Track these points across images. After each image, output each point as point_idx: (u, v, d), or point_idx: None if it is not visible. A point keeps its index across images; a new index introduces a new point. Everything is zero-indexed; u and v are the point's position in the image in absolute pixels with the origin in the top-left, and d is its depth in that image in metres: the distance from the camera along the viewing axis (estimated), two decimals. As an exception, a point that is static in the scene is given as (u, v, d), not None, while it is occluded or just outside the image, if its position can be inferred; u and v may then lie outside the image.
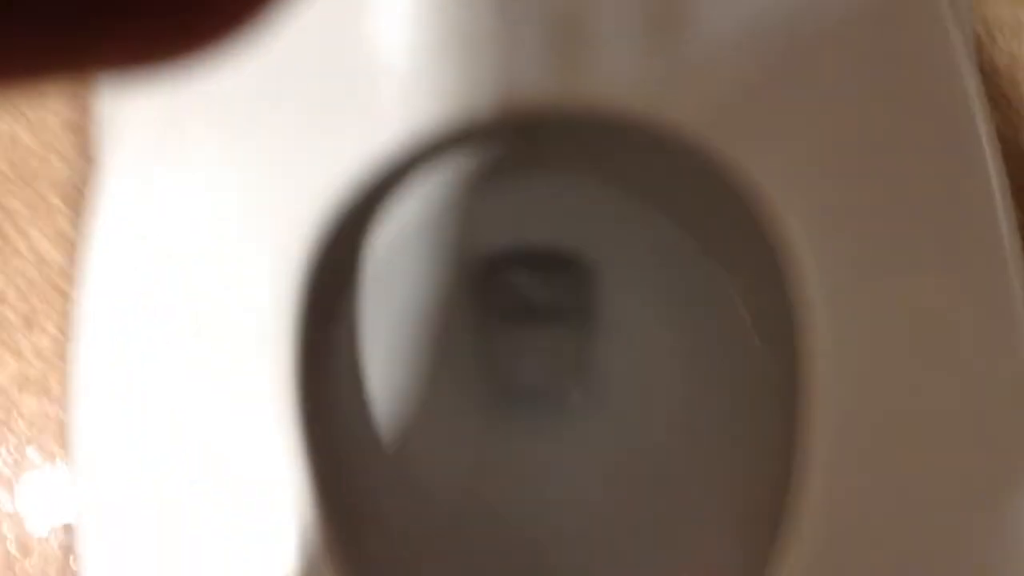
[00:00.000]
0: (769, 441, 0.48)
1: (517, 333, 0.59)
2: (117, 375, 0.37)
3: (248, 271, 0.37)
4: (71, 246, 0.73)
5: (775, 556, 0.40)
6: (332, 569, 0.38)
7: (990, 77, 0.74)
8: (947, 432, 0.39)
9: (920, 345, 0.40)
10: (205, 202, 0.37)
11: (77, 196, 0.73)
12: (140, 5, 0.11)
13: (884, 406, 0.39)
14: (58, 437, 0.73)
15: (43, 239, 0.73)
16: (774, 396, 0.49)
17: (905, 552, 0.39)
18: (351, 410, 0.51)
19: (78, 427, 0.37)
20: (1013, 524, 0.38)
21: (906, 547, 0.40)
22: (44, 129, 0.74)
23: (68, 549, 0.73)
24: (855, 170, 0.40)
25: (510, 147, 0.52)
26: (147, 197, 0.37)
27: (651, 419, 0.56)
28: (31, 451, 0.73)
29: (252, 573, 0.37)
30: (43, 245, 0.73)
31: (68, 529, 0.73)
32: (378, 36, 0.41)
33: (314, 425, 0.39)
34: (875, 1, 0.41)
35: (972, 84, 0.41)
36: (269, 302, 0.37)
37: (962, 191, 0.41)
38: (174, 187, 0.38)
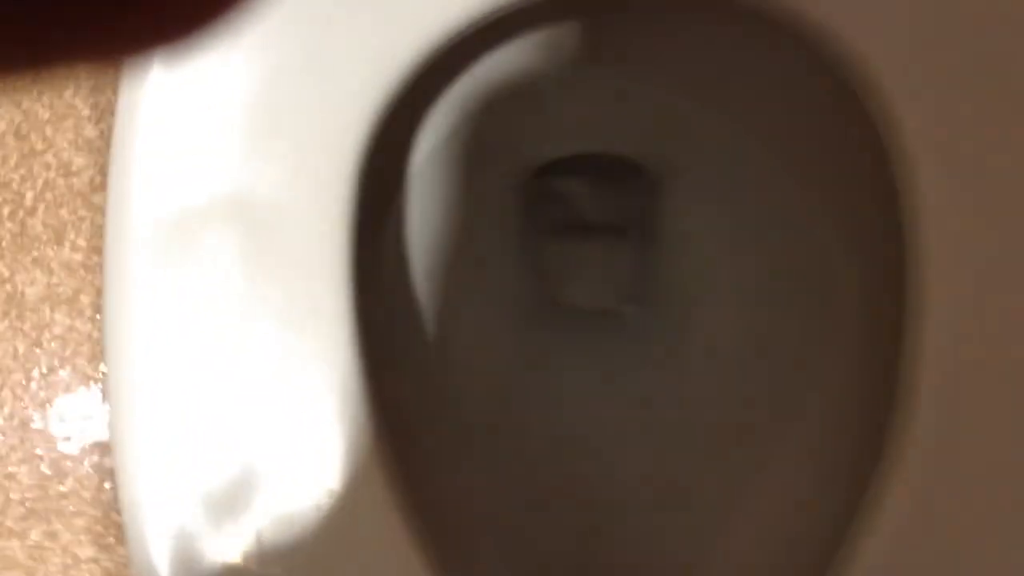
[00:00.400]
0: (851, 380, 0.44)
1: (570, 247, 0.55)
2: (155, 290, 0.33)
3: (303, 169, 0.33)
4: (100, 155, 0.69)
5: (857, 509, 0.36)
6: (382, 476, 0.35)
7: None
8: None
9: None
10: (254, 87, 0.33)
11: (105, 102, 0.69)
12: None
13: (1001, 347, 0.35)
14: (90, 356, 0.71)
15: (69, 148, 0.70)
16: (859, 329, 0.45)
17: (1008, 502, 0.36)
18: (395, 322, 0.48)
19: (114, 348, 0.34)
20: None
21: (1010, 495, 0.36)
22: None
23: (102, 470, 0.71)
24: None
25: (570, 38, 0.48)
26: (187, 85, 0.33)
27: (715, 346, 0.52)
28: (64, 371, 0.71)
29: (303, 479, 0.34)
30: (69, 154, 0.70)
31: (102, 449, 0.71)
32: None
33: (363, 337, 0.35)
34: None
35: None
36: (323, 207, 0.33)
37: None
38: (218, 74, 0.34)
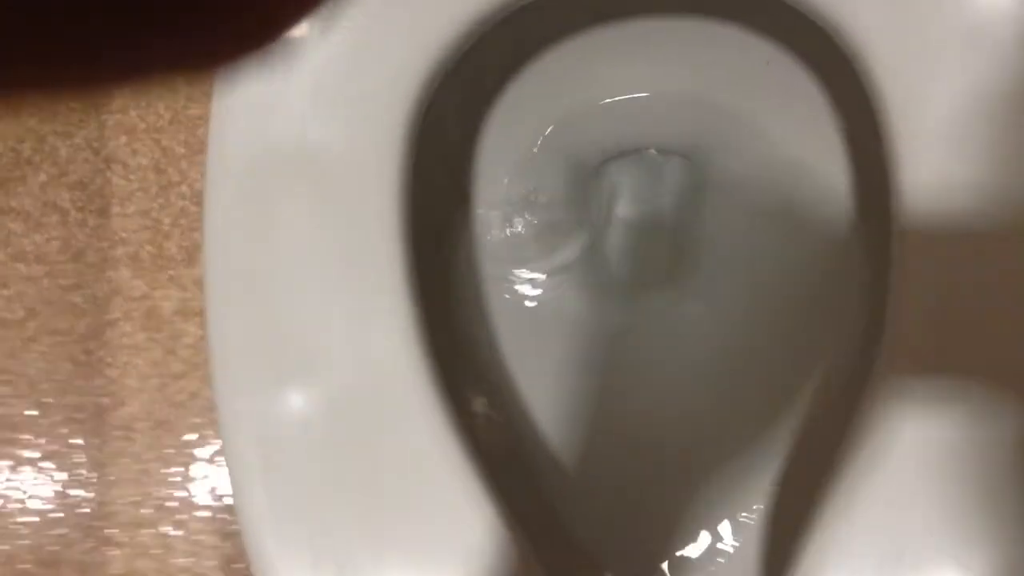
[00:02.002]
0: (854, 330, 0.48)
1: (619, 230, 0.60)
2: (242, 227, 0.40)
3: (360, 128, 0.40)
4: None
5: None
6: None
7: None
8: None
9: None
10: (320, 55, 0.40)
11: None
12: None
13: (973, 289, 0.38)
14: (216, 362, 0.79)
15: (201, 179, 0.80)
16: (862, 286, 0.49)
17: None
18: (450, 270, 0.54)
19: (211, 270, 0.40)
20: None
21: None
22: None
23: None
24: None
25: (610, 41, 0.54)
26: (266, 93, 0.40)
27: (743, 304, 0.57)
28: (194, 376, 0.79)
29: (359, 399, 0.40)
30: (201, 185, 0.80)
31: (225, 448, 0.79)
32: None
33: (417, 281, 0.41)
34: None
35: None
36: (377, 162, 0.39)
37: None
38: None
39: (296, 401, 0.40)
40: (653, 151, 0.59)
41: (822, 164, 0.54)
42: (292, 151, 0.40)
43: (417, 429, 0.40)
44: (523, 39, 0.53)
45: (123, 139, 0.81)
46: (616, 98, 0.59)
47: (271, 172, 0.41)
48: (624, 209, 0.59)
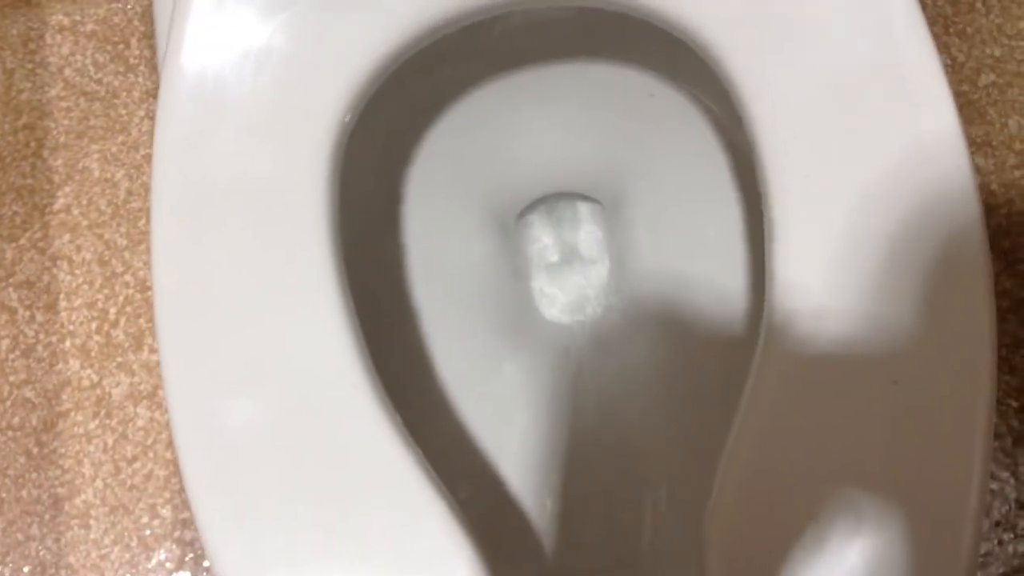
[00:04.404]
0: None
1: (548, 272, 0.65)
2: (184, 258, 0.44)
3: (287, 156, 0.44)
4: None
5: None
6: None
7: None
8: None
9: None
10: (246, 88, 0.44)
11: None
12: None
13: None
14: (167, 442, 0.82)
15: (145, 267, 0.84)
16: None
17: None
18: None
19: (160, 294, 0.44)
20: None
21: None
22: (141, 173, 0.85)
23: (183, 543, 0.80)
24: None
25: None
26: (197, 92, 0.44)
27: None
28: (147, 458, 0.81)
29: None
30: (145, 272, 0.84)
31: (184, 524, 0.80)
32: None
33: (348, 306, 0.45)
34: None
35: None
36: (304, 190, 0.44)
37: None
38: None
39: (242, 410, 0.44)
40: (566, 197, 0.65)
41: (712, 196, 0.60)
42: (227, 182, 0.45)
43: (357, 429, 0.44)
44: (422, 90, 0.59)
45: (67, 237, 0.85)
46: (522, 147, 0.65)
47: (209, 203, 0.45)
48: (548, 254, 0.65)
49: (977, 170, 0.77)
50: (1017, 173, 0.77)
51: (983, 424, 0.40)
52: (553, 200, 0.67)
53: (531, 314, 0.65)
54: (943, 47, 0.79)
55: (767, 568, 0.40)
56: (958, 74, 0.79)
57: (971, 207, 0.41)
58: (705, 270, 0.60)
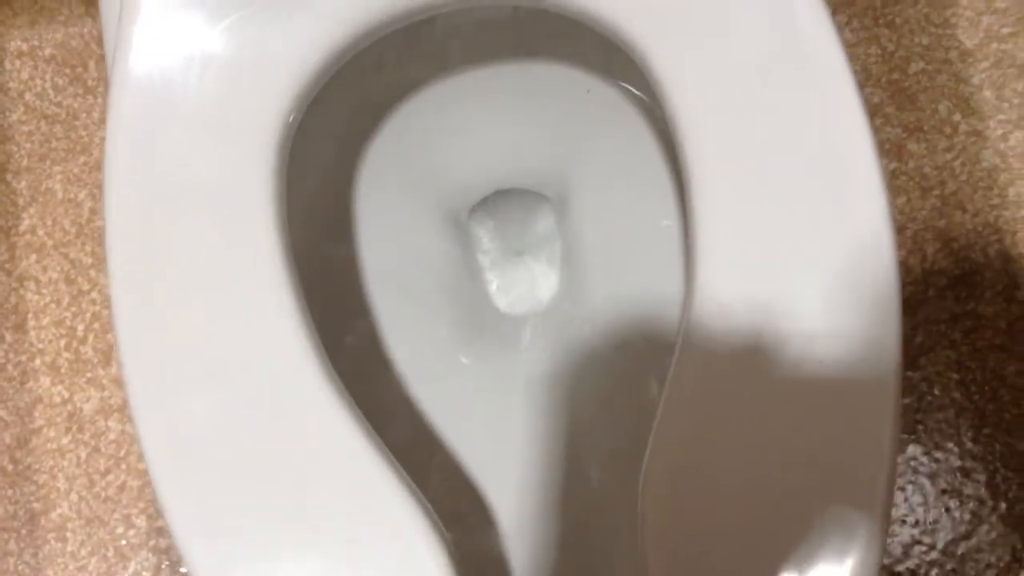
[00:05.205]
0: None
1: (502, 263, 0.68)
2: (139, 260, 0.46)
3: (232, 158, 0.47)
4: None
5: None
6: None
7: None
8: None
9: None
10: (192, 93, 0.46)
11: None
12: None
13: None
14: (139, 454, 0.83)
15: (111, 283, 0.85)
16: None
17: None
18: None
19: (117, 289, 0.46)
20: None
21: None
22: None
23: (159, 551, 0.81)
24: None
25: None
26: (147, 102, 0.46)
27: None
28: (120, 469, 0.83)
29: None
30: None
31: (159, 532, 0.82)
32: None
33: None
34: None
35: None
36: (250, 190, 0.46)
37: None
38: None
39: (202, 408, 0.46)
40: (517, 193, 0.68)
41: (649, 185, 0.63)
42: (178, 182, 0.47)
43: (314, 420, 0.46)
44: (369, 90, 0.61)
45: (33, 257, 0.86)
46: (469, 145, 0.67)
47: (160, 202, 0.47)
48: (499, 249, 0.68)
49: (910, 155, 0.80)
50: (949, 156, 0.80)
51: (893, 393, 0.42)
52: (504, 196, 0.69)
53: (485, 307, 0.68)
54: (873, 38, 0.83)
55: (698, 535, 0.42)
56: (888, 63, 0.82)
57: (875, 187, 0.43)
58: (646, 259, 0.62)
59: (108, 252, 0.47)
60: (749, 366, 0.43)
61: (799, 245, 0.44)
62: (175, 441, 0.46)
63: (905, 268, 0.78)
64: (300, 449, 0.45)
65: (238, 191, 0.48)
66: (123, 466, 0.83)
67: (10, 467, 0.83)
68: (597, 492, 0.60)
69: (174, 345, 0.46)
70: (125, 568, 0.81)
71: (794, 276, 0.43)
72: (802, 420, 0.42)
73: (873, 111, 0.81)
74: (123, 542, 0.81)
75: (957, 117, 0.81)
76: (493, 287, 0.68)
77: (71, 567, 0.81)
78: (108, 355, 0.84)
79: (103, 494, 0.82)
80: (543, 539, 0.60)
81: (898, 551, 0.74)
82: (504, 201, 0.70)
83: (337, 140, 0.62)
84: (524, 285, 0.69)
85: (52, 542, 0.82)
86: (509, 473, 0.62)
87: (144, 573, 0.81)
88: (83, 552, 0.82)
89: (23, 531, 0.82)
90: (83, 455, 0.83)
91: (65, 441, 0.83)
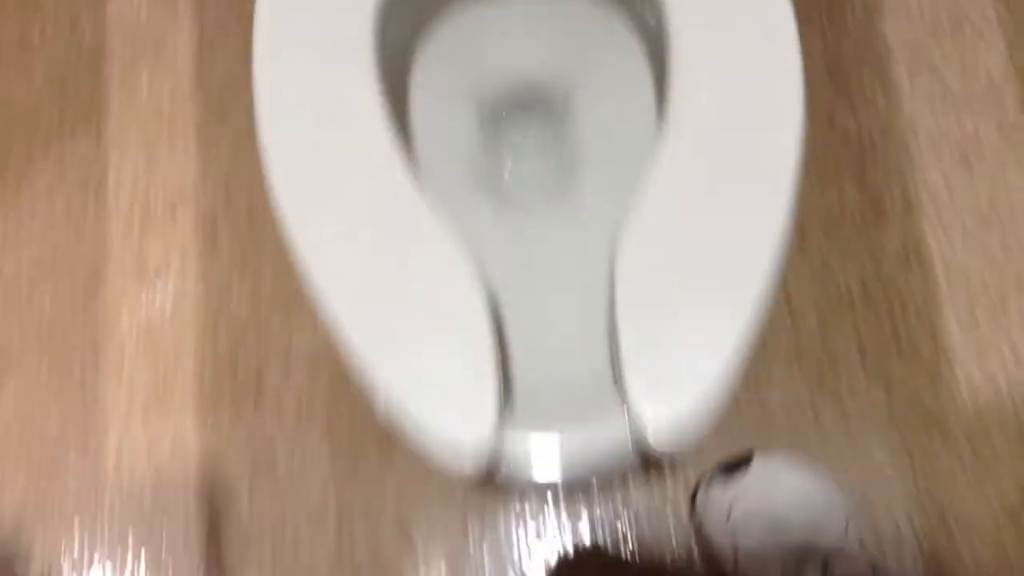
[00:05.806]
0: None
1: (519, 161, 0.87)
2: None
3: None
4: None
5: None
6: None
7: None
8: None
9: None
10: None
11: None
12: None
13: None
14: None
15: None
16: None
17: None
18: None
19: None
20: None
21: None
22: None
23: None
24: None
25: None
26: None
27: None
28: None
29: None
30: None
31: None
32: None
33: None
34: None
35: None
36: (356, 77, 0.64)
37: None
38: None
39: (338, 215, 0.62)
40: (536, 107, 0.85)
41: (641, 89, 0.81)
42: (309, 40, 0.66)
43: (414, 223, 0.62)
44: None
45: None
46: (505, 63, 0.85)
47: (296, 48, 0.65)
48: (520, 150, 0.86)
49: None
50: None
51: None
52: (522, 108, 0.87)
53: (502, 182, 0.85)
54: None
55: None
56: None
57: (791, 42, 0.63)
58: (634, 152, 0.80)
59: (255, 88, 0.65)
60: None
61: (744, 80, 0.63)
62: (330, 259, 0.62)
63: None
64: (416, 270, 0.61)
65: (350, 57, 0.66)
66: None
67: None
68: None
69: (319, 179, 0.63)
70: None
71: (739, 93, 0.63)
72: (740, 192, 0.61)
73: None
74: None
75: None
76: (509, 171, 0.86)
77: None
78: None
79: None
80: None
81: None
82: (523, 113, 0.88)
83: (407, 29, 0.80)
84: (535, 167, 0.86)
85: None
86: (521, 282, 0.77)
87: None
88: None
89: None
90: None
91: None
